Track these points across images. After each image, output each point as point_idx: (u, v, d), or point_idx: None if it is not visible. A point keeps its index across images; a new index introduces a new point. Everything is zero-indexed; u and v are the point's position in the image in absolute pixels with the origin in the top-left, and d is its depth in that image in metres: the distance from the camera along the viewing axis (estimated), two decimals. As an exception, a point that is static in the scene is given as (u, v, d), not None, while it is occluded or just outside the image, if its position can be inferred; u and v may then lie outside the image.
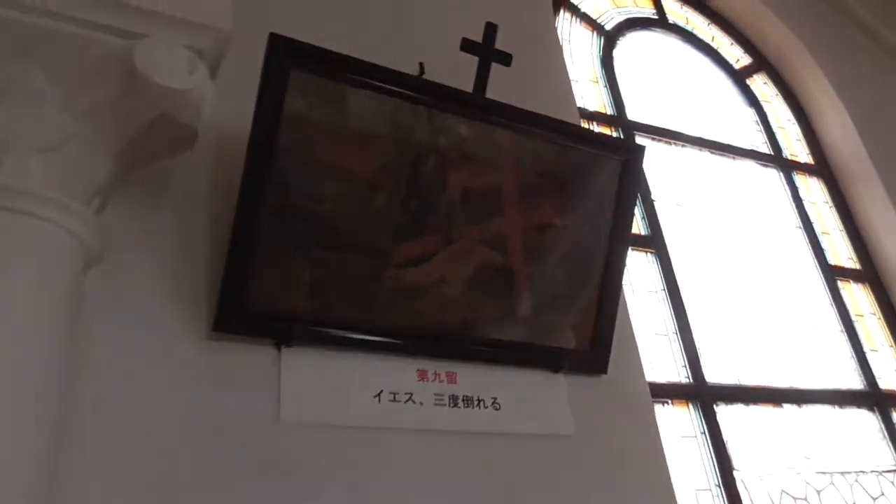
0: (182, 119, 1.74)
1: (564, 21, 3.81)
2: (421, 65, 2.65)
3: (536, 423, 2.27)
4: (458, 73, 2.33)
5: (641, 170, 2.50)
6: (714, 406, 2.98)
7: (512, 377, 2.30)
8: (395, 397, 2.08)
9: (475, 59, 2.67)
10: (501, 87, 2.74)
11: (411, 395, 2.10)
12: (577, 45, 3.79)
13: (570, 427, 2.31)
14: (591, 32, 3.89)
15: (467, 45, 2.24)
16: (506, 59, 2.30)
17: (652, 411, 2.55)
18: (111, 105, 1.65)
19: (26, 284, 1.49)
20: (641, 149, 2.51)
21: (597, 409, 2.40)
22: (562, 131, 2.37)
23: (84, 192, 1.67)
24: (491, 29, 2.27)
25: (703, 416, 2.92)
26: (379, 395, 2.05)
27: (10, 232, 1.49)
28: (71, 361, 1.61)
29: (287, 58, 1.90)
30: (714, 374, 3.09)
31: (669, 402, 2.90)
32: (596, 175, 2.45)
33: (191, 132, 1.82)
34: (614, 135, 3.56)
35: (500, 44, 3.04)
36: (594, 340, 2.44)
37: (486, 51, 2.27)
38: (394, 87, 2.06)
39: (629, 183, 2.48)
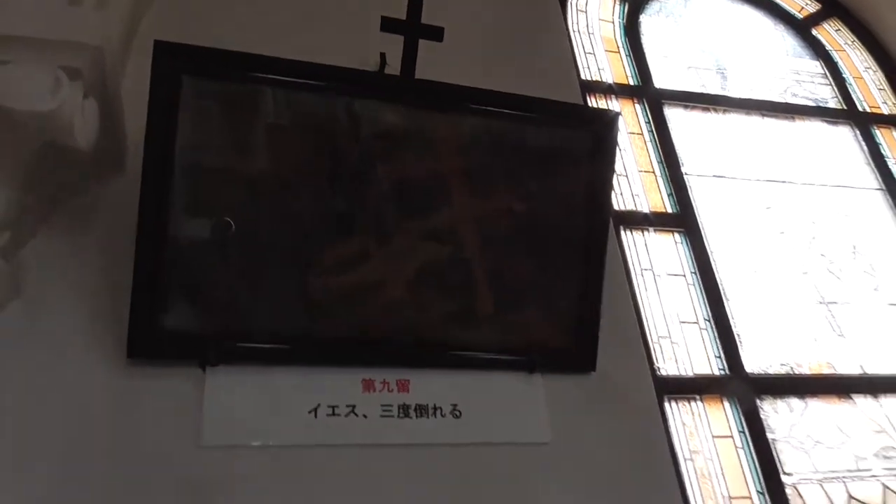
0: (62, 141, 1.72)
1: (579, -7, 3.54)
2: (382, 55, 2.50)
3: (504, 431, 2.04)
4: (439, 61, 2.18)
5: (615, 142, 2.20)
6: (757, 400, 2.59)
7: (476, 382, 2.08)
8: (333, 411, 1.93)
9: (461, 46, 2.54)
10: (483, 67, 2.59)
11: (353, 407, 1.95)
12: (596, 14, 3.50)
13: (545, 434, 2.06)
14: (611, 0, 3.58)
15: (388, 25, 2.05)
16: (436, 33, 2.09)
17: (655, 410, 2.23)
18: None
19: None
20: (614, 117, 2.22)
21: (582, 412, 2.13)
22: (512, 105, 2.13)
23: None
24: (416, 1, 2.07)
25: (742, 412, 2.54)
26: (315, 409, 1.92)
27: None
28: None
29: (177, 65, 1.83)
30: (759, 364, 2.69)
31: (698, 398, 2.55)
32: (561, 151, 2.19)
33: (81, 155, 1.79)
34: (637, 107, 3.25)
35: (485, 19, 2.89)
36: (577, 334, 2.18)
37: (412, 27, 2.07)
38: (300, 80, 1.93)
39: (603, 158, 2.20)
